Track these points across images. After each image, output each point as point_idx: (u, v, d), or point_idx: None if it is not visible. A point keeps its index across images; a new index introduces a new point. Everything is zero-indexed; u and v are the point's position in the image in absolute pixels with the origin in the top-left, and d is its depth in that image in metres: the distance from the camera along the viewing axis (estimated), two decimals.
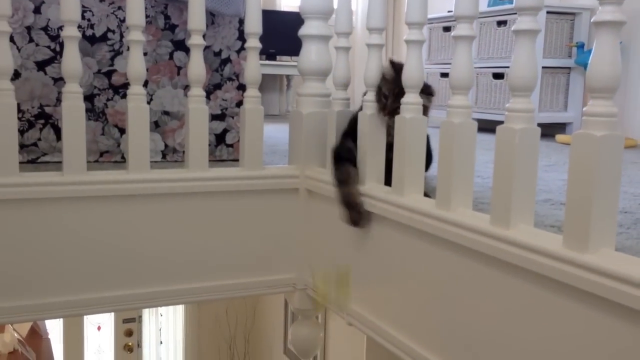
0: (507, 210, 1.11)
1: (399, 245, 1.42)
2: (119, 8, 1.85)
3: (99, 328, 5.64)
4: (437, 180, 1.29)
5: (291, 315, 4.77)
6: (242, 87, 2.02)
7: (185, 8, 1.90)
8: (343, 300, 1.62)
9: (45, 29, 1.79)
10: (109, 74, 1.87)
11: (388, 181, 1.50)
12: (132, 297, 1.67)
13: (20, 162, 1.57)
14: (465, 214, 1.24)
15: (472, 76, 1.26)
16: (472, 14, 1.23)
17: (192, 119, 1.68)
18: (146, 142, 1.63)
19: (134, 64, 1.60)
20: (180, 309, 5.72)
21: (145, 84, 1.69)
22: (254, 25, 1.72)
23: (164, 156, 1.97)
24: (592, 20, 0.99)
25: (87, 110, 1.72)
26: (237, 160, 1.97)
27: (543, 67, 3.35)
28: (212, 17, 1.95)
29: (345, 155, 1.57)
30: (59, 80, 1.81)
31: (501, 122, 1.13)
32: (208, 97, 1.96)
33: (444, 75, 3.97)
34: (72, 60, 1.53)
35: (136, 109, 1.61)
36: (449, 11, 4.03)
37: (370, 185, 1.52)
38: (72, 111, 1.55)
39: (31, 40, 1.78)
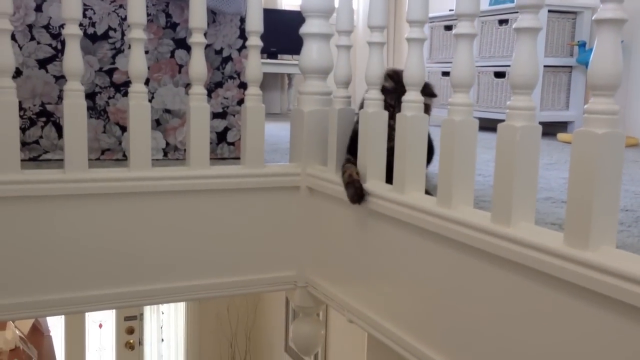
0: (508, 208, 1.11)
1: (400, 243, 1.42)
2: (120, 6, 1.85)
3: (100, 326, 5.65)
4: (438, 177, 1.29)
5: (292, 312, 4.78)
6: (243, 86, 2.02)
7: (186, 6, 1.90)
8: None
9: (46, 27, 1.79)
10: (110, 72, 1.88)
11: (389, 179, 1.51)
12: (133, 295, 1.68)
13: (22, 160, 1.57)
14: (467, 211, 1.24)
15: (474, 74, 1.26)
16: (473, 12, 1.23)
17: (193, 117, 1.68)
18: (147, 140, 1.63)
19: (136, 62, 1.60)
20: (181, 307, 5.72)
21: (147, 82, 1.69)
22: (255, 23, 1.72)
23: (165, 154, 1.97)
24: (593, 18, 0.99)
25: (88, 108, 1.72)
26: (238, 158, 1.97)
27: (545, 66, 3.35)
28: (213, 15, 1.95)
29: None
30: (60, 78, 1.81)
31: (502, 121, 1.13)
32: (209, 95, 1.97)
33: (445, 74, 3.97)
34: (74, 58, 1.54)
35: (137, 107, 1.61)
36: (450, 10, 4.03)
37: (371, 183, 1.53)
38: (74, 109, 1.55)
39: (33, 38, 1.78)
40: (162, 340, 5.87)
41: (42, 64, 1.80)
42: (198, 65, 1.67)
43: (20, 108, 1.76)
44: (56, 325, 5.19)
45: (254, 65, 1.74)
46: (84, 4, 1.77)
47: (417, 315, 1.39)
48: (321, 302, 1.87)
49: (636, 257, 0.95)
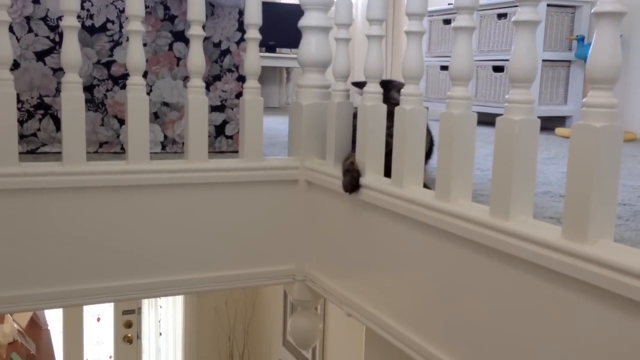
0: (506, 201, 1.12)
1: (398, 237, 1.43)
2: None
3: (98, 319, 5.66)
4: (437, 171, 1.29)
5: (290, 306, 4.79)
6: (241, 79, 2.02)
7: None
8: None
9: (44, 19, 1.79)
10: (108, 65, 1.87)
11: (387, 173, 1.51)
12: (131, 288, 1.68)
13: (20, 153, 1.57)
14: (465, 205, 1.24)
15: (472, 67, 1.26)
16: (472, 5, 1.22)
17: (191, 110, 1.68)
18: (146, 133, 1.63)
19: (134, 55, 1.59)
20: (179, 301, 5.73)
21: (145, 75, 1.69)
22: (253, 16, 1.71)
23: (163, 147, 1.97)
24: (592, 11, 0.99)
25: (86, 101, 1.72)
26: (236, 151, 1.97)
27: (543, 60, 3.35)
28: (211, 8, 1.95)
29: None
30: (58, 71, 1.80)
31: (501, 115, 1.13)
32: (208, 88, 1.96)
33: (444, 68, 3.96)
34: (72, 51, 1.53)
35: (136, 99, 1.61)
36: (449, 4, 4.02)
37: (370, 176, 1.52)
38: (72, 102, 1.55)
39: (30, 30, 1.78)
40: (160, 334, 5.88)
41: (40, 56, 1.80)
42: (196, 58, 1.66)
43: (18, 100, 1.76)
44: (54, 319, 5.20)
45: (253, 58, 1.74)
46: None
47: (415, 308, 1.39)
48: (319, 296, 1.87)
49: (634, 250, 0.95)
